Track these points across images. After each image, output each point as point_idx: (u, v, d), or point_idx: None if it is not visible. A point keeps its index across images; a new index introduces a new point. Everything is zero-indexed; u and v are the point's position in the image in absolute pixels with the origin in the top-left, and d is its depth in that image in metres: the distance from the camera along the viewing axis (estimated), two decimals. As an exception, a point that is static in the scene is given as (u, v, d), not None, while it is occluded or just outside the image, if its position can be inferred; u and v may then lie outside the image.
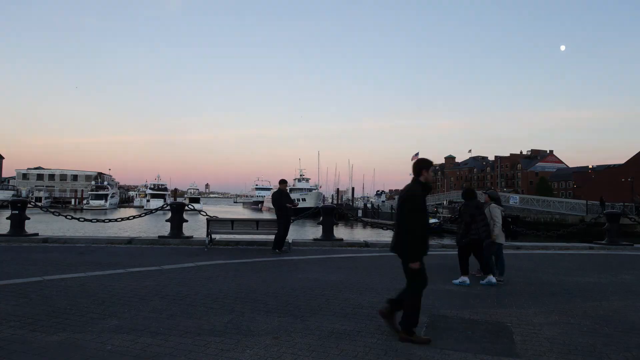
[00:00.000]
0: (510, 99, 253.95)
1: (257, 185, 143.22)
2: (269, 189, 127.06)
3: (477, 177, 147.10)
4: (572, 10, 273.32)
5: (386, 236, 42.55)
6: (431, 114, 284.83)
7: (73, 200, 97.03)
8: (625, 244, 13.41)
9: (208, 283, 6.93)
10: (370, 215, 69.16)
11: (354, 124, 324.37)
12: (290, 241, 12.18)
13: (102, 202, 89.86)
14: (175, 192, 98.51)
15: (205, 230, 11.80)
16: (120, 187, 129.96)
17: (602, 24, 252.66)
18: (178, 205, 12.66)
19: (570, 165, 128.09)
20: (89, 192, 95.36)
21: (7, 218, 12.63)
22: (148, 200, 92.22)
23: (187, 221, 12.66)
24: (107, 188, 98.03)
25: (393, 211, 66.72)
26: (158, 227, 36.69)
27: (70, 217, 13.38)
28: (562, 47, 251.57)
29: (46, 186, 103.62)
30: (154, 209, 15.38)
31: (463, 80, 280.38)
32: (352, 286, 6.94)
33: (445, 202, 66.09)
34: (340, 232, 42.16)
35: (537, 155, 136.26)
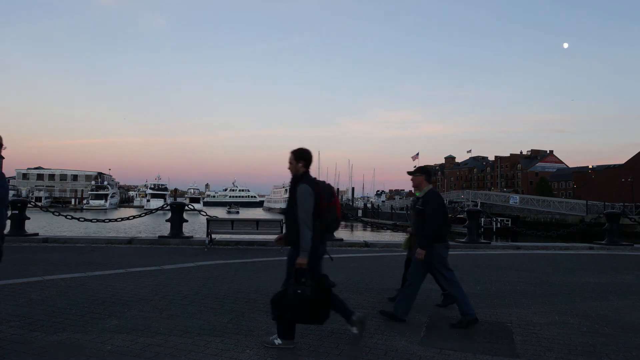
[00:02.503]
0: (511, 99, 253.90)
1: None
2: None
3: (477, 177, 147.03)
4: (574, 8, 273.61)
5: (386, 236, 42.68)
6: (431, 113, 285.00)
7: (73, 200, 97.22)
8: (625, 244, 13.41)
9: (208, 283, 6.94)
10: (371, 215, 69.30)
11: (354, 124, 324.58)
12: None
13: (102, 202, 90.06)
14: (175, 192, 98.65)
15: (205, 230, 11.82)
16: (120, 187, 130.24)
17: (604, 23, 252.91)
18: (178, 205, 12.68)
19: (570, 165, 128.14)
20: (89, 192, 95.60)
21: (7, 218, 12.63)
22: (148, 200, 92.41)
23: (187, 221, 12.68)
24: (107, 188, 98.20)
25: (393, 211, 66.84)
26: (158, 227, 36.72)
27: (70, 217, 13.39)
28: (565, 45, 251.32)
29: (46, 186, 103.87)
30: (154, 209, 15.44)
31: (463, 79, 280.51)
32: (352, 286, 6.94)
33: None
34: (340, 232, 42.07)
35: (537, 155, 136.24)
